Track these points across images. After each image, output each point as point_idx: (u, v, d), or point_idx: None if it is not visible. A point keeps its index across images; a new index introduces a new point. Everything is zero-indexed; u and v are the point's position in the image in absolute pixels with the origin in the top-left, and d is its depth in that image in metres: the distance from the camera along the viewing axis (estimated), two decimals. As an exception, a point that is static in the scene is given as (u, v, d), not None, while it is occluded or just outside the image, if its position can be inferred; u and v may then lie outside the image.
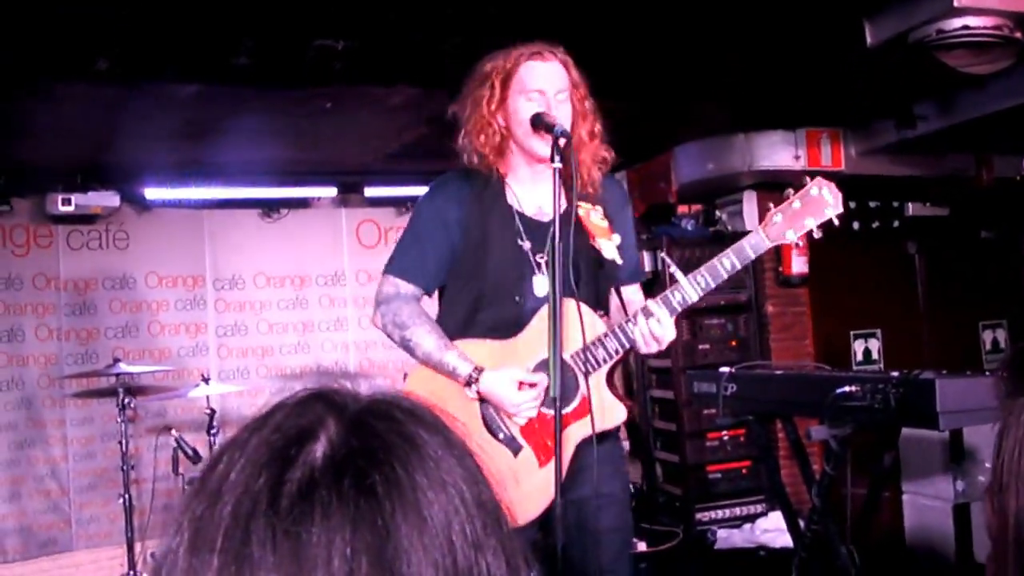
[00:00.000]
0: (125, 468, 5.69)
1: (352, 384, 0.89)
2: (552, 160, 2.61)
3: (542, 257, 2.83)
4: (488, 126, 2.84)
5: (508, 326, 2.82)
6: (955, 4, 3.90)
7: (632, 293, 3.06)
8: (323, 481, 0.76)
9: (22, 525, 6.54)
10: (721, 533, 6.92)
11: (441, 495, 0.78)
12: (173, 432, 5.63)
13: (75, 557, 6.65)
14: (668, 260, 2.90)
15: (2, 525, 6.48)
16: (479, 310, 2.85)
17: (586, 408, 2.73)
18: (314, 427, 0.81)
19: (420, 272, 2.92)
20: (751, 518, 7.06)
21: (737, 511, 7.15)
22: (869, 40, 4.38)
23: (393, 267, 2.95)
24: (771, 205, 2.91)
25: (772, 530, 6.73)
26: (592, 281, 2.87)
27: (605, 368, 2.81)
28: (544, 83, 2.80)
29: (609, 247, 2.88)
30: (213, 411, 5.67)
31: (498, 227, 2.85)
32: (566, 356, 2.73)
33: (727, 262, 2.82)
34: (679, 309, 2.80)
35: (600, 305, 2.90)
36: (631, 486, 7.67)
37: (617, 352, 2.79)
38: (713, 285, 2.82)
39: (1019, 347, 1.30)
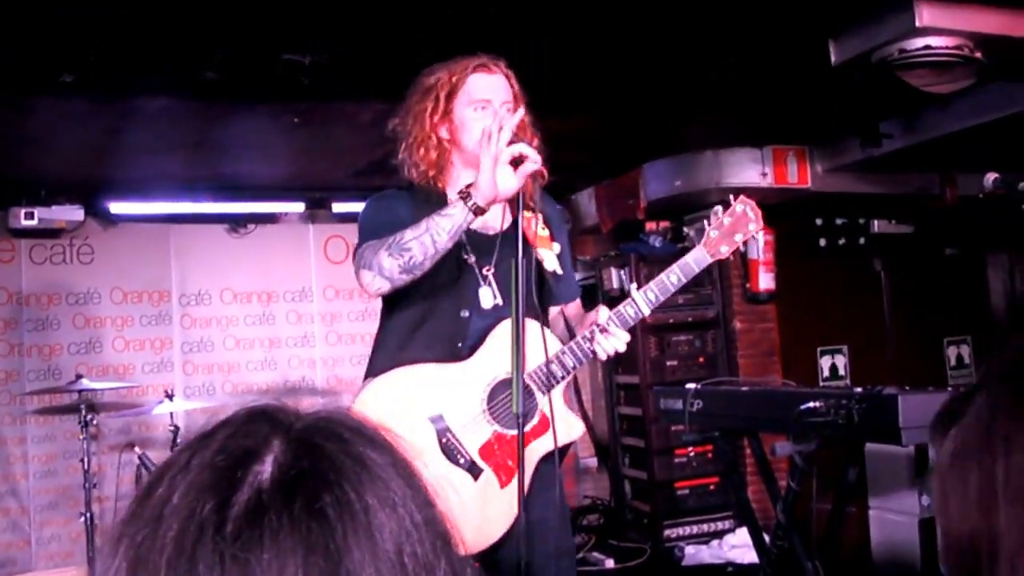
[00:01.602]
0: (87, 486, 5.62)
1: (292, 400, 0.87)
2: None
3: (488, 270, 2.82)
4: (429, 139, 2.83)
5: (451, 340, 2.79)
6: (917, 24, 3.94)
7: (573, 308, 3.04)
8: (272, 504, 0.74)
9: (-18, 544, 6.45)
10: (689, 549, 6.92)
11: (392, 517, 0.77)
12: (137, 450, 5.57)
13: (36, 577, 6.57)
14: (623, 276, 2.93)
15: (-38, 544, 6.39)
16: (422, 324, 2.80)
17: (546, 425, 2.73)
18: (259, 447, 0.79)
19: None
20: (719, 534, 7.07)
21: (705, 527, 7.15)
22: (833, 59, 4.41)
23: (362, 239, 2.85)
24: (705, 223, 2.95)
25: (740, 546, 6.73)
26: (535, 293, 2.80)
27: (563, 384, 2.80)
28: (491, 94, 2.81)
29: (550, 257, 2.89)
30: (177, 428, 5.63)
31: None
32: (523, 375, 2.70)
33: (674, 277, 2.83)
34: (632, 323, 2.80)
35: (542, 318, 2.84)
36: (599, 502, 7.71)
37: (574, 368, 2.79)
38: (663, 298, 2.83)
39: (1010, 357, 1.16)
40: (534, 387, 2.74)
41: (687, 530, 7.14)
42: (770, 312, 7.47)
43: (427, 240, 2.65)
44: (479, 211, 2.65)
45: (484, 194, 2.63)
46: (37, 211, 6.41)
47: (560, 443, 2.73)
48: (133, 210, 6.84)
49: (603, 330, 2.75)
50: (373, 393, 2.76)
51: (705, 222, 2.98)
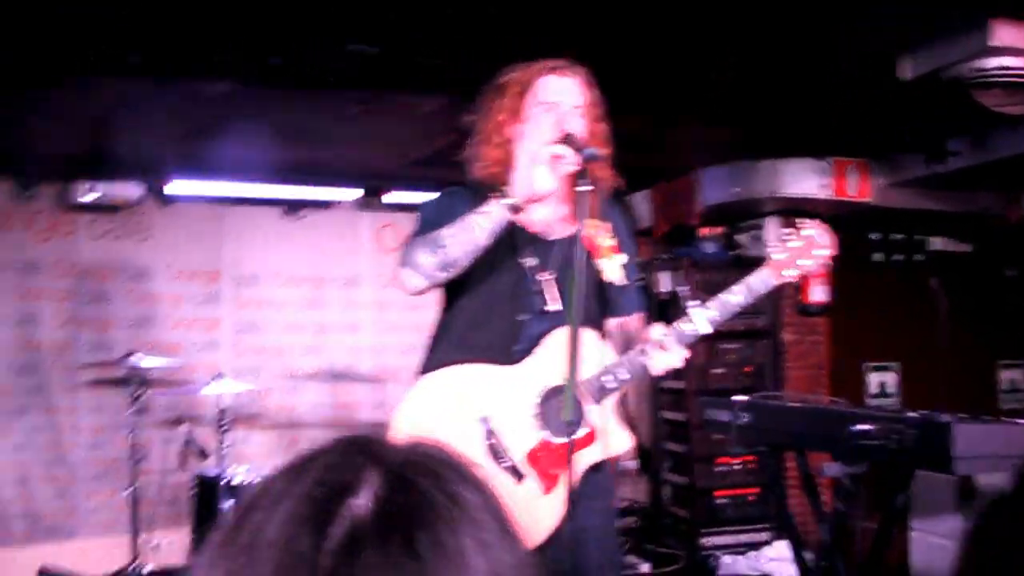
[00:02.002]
0: (134, 459, 5.70)
1: (342, 387, 0.86)
2: (575, 183, 2.61)
3: (546, 276, 2.80)
4: (498, 136, 2.84)
5: (507, 343, 2.78)
6: (991, 44, 3.87)
7: (633, 322, 2.99)
8: (368, 540, 0.74)
9: (28, 510, 6.56)
10: (725, 559, 6.88)
11: (484, 559, 0.76)
12: (184, 427, 5.63)
13: (79, 544, 6.66)
14: (682, 292, 2.87)
15: (9, 509, 6.50)
16: (479, 325, 2.80)
17: (594, 435, 2.73)
18: (355, 481, 0.78)
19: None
20: (756, 546, 7.01)
21: (743, 538, 7.10)
22: (904, 74, 4.35)
23: (413, 236, 2.84)
24: (767, 237, 2.92)
25: (777, 559, 6.68)
26: (594, 302, 2.83)
27: (614, 396, 2.79)
28: (560, 96, 2.80)
29: (612, 267, 2.84)
30: (224, 408, 5.67)
31: (501, 244, 2.77)
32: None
33: (738, 297, 2.81)
34: (690, 341, 2.77)
35: (601, 328, 2.86)
36: (637, 505, 7.67)
37: (627, 381, 2.76)
38: (722, 320, 2.79)
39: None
40: (585, 396, 2.72)
41: (725, 539, 7.10)
42: (821, 325, 7.40)
43: (464, 238, 2.65)
44: (516, 209, 2.65)
45: (520, 191, 2.64)
46: (98, 187, 6.49)
47: (608, 454, 2.74)
48: (190, 190, 6.89)
49: (659, 346, 2.72)
50: (425, 389, 2.78)
51: (769, 242, 2.92)
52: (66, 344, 6.74)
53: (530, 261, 2.81)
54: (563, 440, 2.65)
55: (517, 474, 2.72)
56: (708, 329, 2.77)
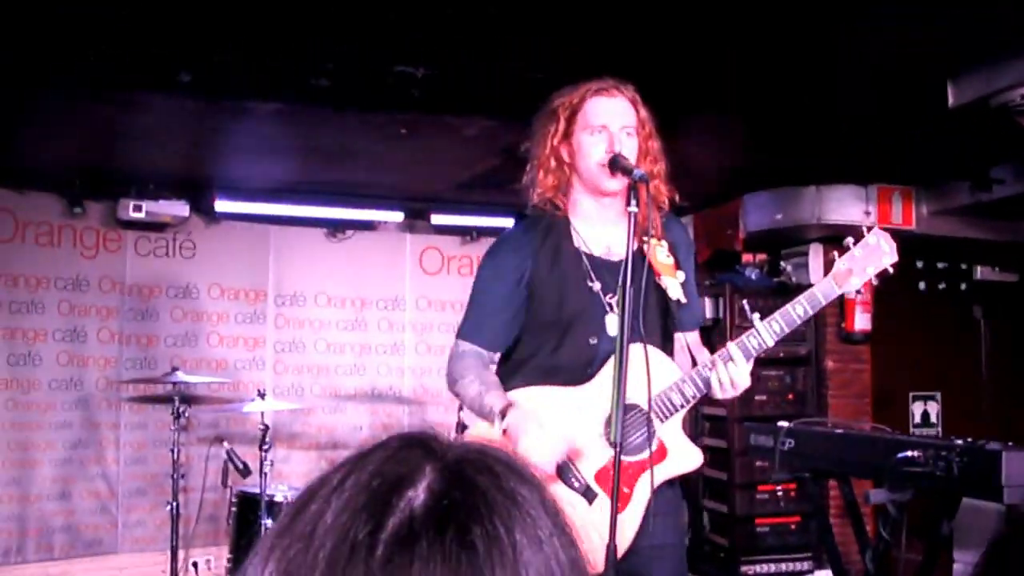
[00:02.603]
0: (175, 476, 5.73)
1: (381, 406, 0.88)
2: (628, 203, 2.62)
3: (612, 298, 2.81)
4: (550, 161, 2.86)
5: (582, 367, 2.79)
6: (1043, 70, 3.85)
7: (694, 337, 3.03)
8: (423, 532, 0.74)
9: (69, 523, 6.62)
10: (765, 588, 6.81)
11: (539, 555, 0.76)
12: (225, 444, 5.66)
13: (119, 560, 6.72)
14: (746, 306, 2.86)
15: (51, 522, 6.56)
16: (555, 351, 2.83)
17: (663, 453, 2.75)
18: (413, 474, 0.79)
19: (480, 332, 2.92)
20: (797, 575, 6.94)
21: (784, 567, 7.02)
22: (951, 101, 4.33)
23: (460, 329, 2.97)
24: (835, 254, 2.91)
25: (817, 588, 6.61)
26: (657, 321, 2.86)
27: (681, 413, 2.80)
28: (608, 119, 2.81)
29: (674, 285, 2.86)
30: (266, 426, 5.69)
31: (567, 271, 2.83)
32: (641, 402, 2.70)
33: (800, 308, 2.81)
34: (755, 354, 2.77)
35: (665, 346, 2.87)
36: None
37: (694, 397, 2.77)
38: (787, 330, 2.81)
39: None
40: (653, 414, 2.73)
41: (765, 568, 7.02)
42: (864, 353, 7.33)
43: (470, 406, 2.85)
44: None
45: (508, 431, 2.70)
46: (145, 204, 6.57)
47: (676, 472, 2.78)
48: (236, 209, 6.96)
49: (727, 359, 2.73)
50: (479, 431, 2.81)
51: (835, 254, 2.93)
52: (111, 360, 6.82)
53: (596, 284, 2.83)
54: (633, 459, 2.69)
55: (589, 495, 2.74)
56: (771, 342, 2.78)
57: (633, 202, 2.59)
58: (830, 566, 4.60)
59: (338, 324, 7.46)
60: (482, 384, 2.81)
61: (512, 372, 2.90)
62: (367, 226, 7.53)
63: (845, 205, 6.63)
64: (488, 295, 2.92)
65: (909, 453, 3.37)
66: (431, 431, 0.87)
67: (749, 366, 2.76)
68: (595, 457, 2.75)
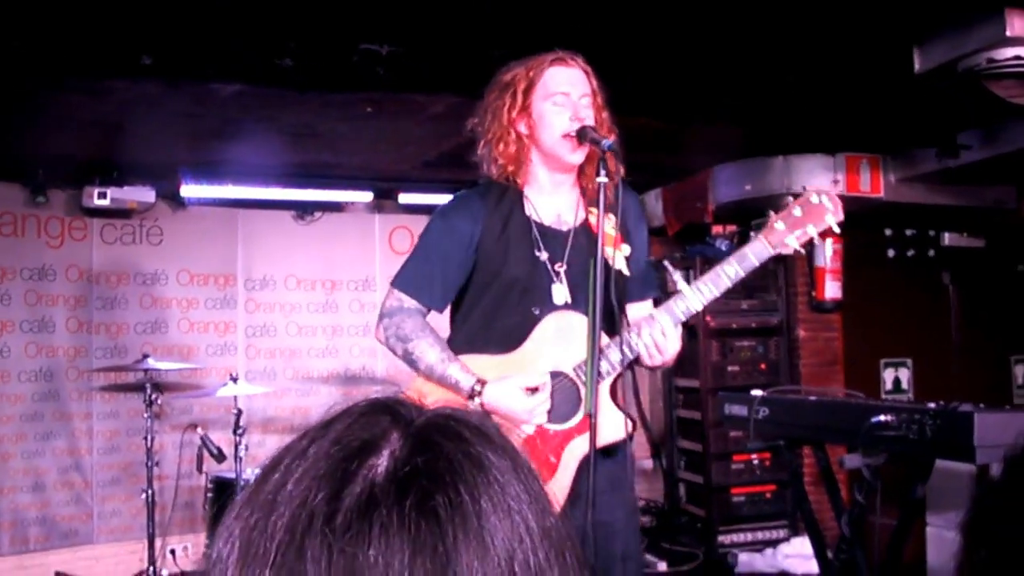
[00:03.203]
0: (149, 464, 5.69)
1: (353, 389, 0.86)
2: (597, 174, 2.61)
3: (560, 267, 2.80)
4: (508, 134, 2.83)
5: (521, 337, 2.78)
6: (1008, 34, 3.86)
7: (640, 310, 2.95)
8: (384, 499, 0.73)
9: (44, 515, 6.56)
10: (743, 557, 6.86)
11: (506, 522, 0.75)
12: (198, 430, 5.63)
13: (95, 550, 6.67)
14: (671, 268, 2.81)
15: (25, 515, 6.50)
16: (493, 321, 2.81)
17: (586, 425, 2.65)
18: (377, 440, 0.78)
19: (425, 288, 2.87)
20: (773, 543, 7.00)
21: (760, 535, 7.09)
22: (917, 67, 4.33)
23: (398, 280, 2.92)
24: (771, 212, 2.85)
25: (794, 556, 6.66)
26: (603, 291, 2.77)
27: (608, 380, 2.74)
28: (568, 87, 2.80)
29: (618, 257, 2.83)
30: (240, 411, 5.66)
31: (515, 239, 2.81)
32: (568, 370, 2.71)
33: (730, 270, 2.76)
34: (683, 318, 2.74)
35: (610, 316, 2.80)
36: (653, 504, 7.66)
37: (620, 363, 2.72)
38: (718, 293, 2.76)
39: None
40: (579, 383, 2.72)
41: (741, 537, 7.08)
42: (835, 321, 7.38)
43: (427, 371, 2.76)
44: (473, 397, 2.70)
45: (491, 408, 2.67)
46: (110, 191, 6.50)
47: (602, 442, 2.63)
48: (203, 193, 6.90)
49: (651, 323, 2.70)
50: (423, 384, 2.77)
51: (771, 212, 2.86)
52: (80, 349, 6.76)
53: (544, 254, 2.81)
54: (558, 427, 2.68)
55: None
56: (699, 306, 2.74)
57: (602, 172, 2.59)
58: (806, 532, 4.63)
59: (309, 306, 7.43)
60: (442, 351, 2.76)
61: (454, 335, 2.88)
62: (335, 207, 7.49)
63: (814, 174, 6.65)
64: (435, 251, 2.87)
65: (882, 418, 3.39)
66: (399, 397, 0.85)
67: (677, 331, 2.73)
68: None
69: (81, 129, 5.66)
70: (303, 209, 7.41)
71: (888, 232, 7.74)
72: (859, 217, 7.07)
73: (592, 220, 2.78)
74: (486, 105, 2.91)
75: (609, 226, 2.80)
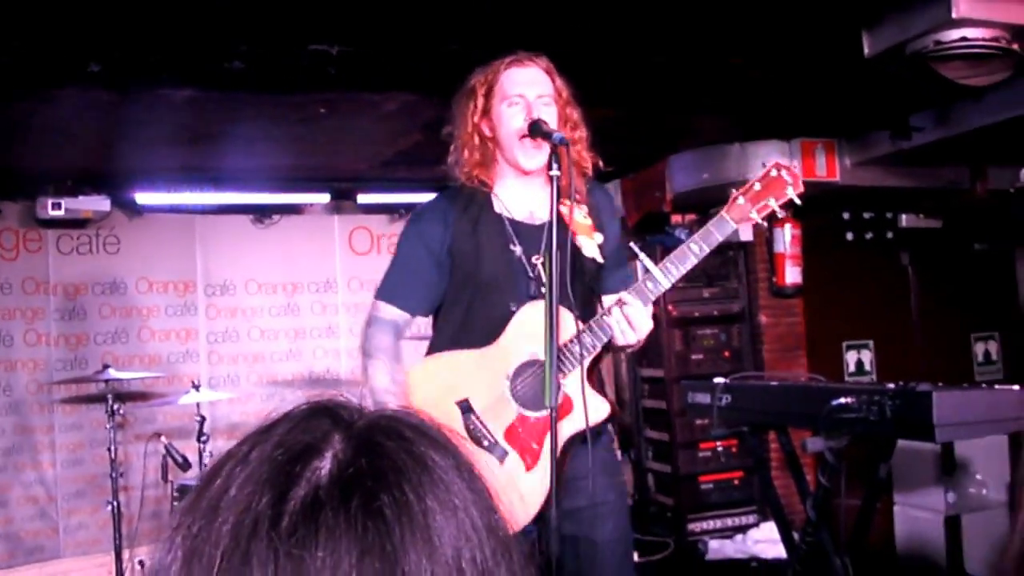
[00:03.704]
0: (114, 475, 5.64)
1: (355, 396, 0.85)
2: (550, 168, 2.61)
3: (537, 259, 2.83)
4: (472, 139, 2.89)
5: (499, 332, 2.81)
6: (953, 15, 3.88)
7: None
8: (329, 501, 0.72)
9: (8, 532, 6.49)
10: (713, 544, 6.90)
11: (452, 520, 0.75)
12: (163, 439, 5.58)
13: (62, 564, 6.60)
14: (637, 250, 2.85)
15: (-11, 532, 6.43)
16: (474, 319, 2.84)
17: (569, 406, 2.72)
18: (319, 443, 0.77)
19: (401, 295, 2.93)
20: (743, 529, 7.05)
21: (729, 522, 7.13)
22: (867, 51, 4.35)
23: (378, 291, 2.98)
24: (732, 190, 2.90)
25: (764, 541, 6.71)
26: (577, 280, 2.79)
27: (585, 364, 2.76)
28: (524, 88, 2.84)
29: (590, 245, 2.88)
30: (203, 418, 5.62)
31: (488, 237, 2.86)
32: (543, 356, 2.70)
33: (695, 247, 2.78)
34: (652, 298, 2.76)
35: (586, 304, 2.87)
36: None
37: (594, 347, 2.76)
38: (684, 271, 2.79)
39: None
40: (556, 367, 2.69)
41: (711, 524, 7.12)
42: (796, 306, 7.43)
43: (371, 391, 2.84)
44: None
45: None
46: (64, 201, 6.44)
47: (582, 425, 2.68)
48: (158, 200, 6.85)
49: (622, 304, 2.72)
50: (410, 383, 2.82)
51: (732, 189, 2.92)
52: (40, 362, 6.69)
53: (518, 248, 2.85)
54: (538, 414, 2.72)
55: (498, 453, 2.76)
56: (668, 284, 2.77)
57: (555, 166, 2.60)
58: (773, 516, 4.66)
59: (271, 310, 7.39)
60: (392, 384, 2.83)
61: (437, 335, 2.93)
62: (294, 209, 7.46)
63: (770, 160, 6.65)
64: (410, 258, 2.93)
65: (843, 400, 3.42)
66: (340, 399, 0.85)
67: (648, 309, 2.76)
68: (503, 415, 2.78)
69: (32, 139, 5.58)
70: (261, 212, 7.37)
71: (846, 215, 7.79)
72: (817, 201, 7.11)
73: (564, 211, 2.76)
74: (455, 112, 2.96)
75: (581, 216, 2.88)
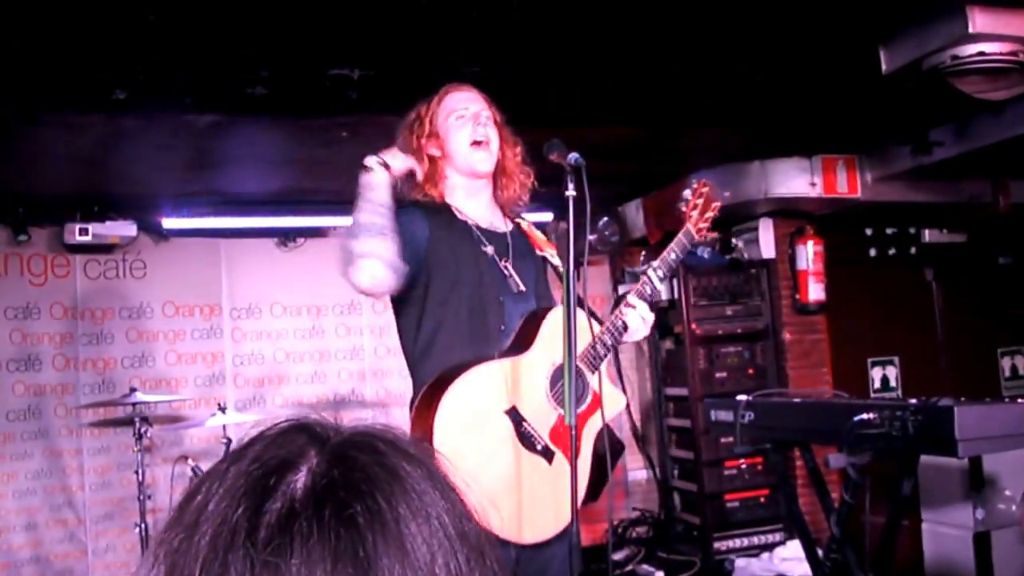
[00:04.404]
0: (141, 497, 5.68)
1: (333, 418, 0.88)
2: (566, 188, 2.70)
3: (507, 262, 3.07)
4: (421, 161, 3.09)
5: (493, 325, 2.98)
6: (970, 30, 3.89)
7: None
8: (303, 512, 0.75)
9: (39, 555, 6.54)
10: (739, 562, 6.87)
11: (424, 528, 0.77)
12: (189, 461, 5.63)
13: (91, 587, 6.65)
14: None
15: (18, 555, 6.47)
16: (465, 314, 2.97)
17: (597, 402, 3.00)
18: (295, 458, 0.80)
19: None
20: (769, 547, 7.01)
21: (755, 540, 7.09)
22: (884, 67, 4.36)
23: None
24: (681, 207, 3.41)
25: (790, 559, 6.67)
26: (542, 285, 3.22)
27: (605, 362, 3.06)
28: (467, 104, 3.12)
29: (552, 254, 3.22)
30: (229, 440, 5.66)
31: (461, 239, 3.03)
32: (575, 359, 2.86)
33: (672, 255, 3.23)
34: (649, 300, 3.14)
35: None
36: (648, 514, 7.68)
37: (613, 345, 3.08)
38: (668, 274, 3.26)
39: None
40: (584, 368, 2.98)
41: (737, 543, 7.09)
42: (820, 323, 7.40)
43: (355, 226, 2.88)
44: (386, 165, 2.93)
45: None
46: (91, 227, 6.50)
47: (609, 416, 3.04)
48: (184, 225, 6.91)
49: (630, 306, 3.09)
50: (454, 400, 2.79)
51: (682, 206, 3.42)
52: (67, 386, 6.75)
53: (489, 248, 3.06)
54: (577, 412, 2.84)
55: (547, 454, 2.91)
56: (660, 286, 3.24)
57: (571, 186, 2.68)
58: (798, 534, 4.64)
59: (295, 333, 7.43)
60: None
61: (425, 350, 2.97)
62: (317, 232, 7.49)
63: (791, 177, 6.69)
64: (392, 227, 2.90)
65: (865, 416, 3.41)
66: (315, 416, 0.88)
67: (647, 308, 3.13)
68: (547, 418, 2.94)
69: (59, 165, 5.66)
70: (286, 235, 7.41)
71: (868, 231, 7.78)
72: (839, 218, 7.13)
73: (523, 225, 3.23)
74: (400, 145, 3.16)
75: (535, 231, 3.24)
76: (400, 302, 3.04)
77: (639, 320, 3.09)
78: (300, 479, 0.78)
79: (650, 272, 3.16)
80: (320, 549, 0.72)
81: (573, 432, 2.58)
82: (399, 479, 0.79)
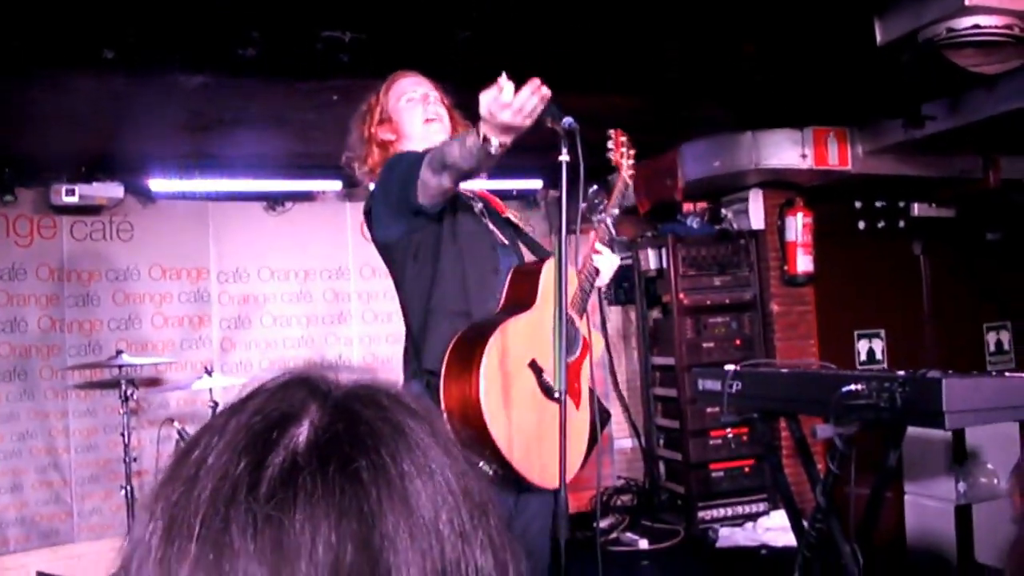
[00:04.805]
0: (127, 460, 5.68)
1: (334, 373, 0.87)
2: (559, 152, 2.66)
3: (486, 219, 3.23)
4: (372, 146, 3.27)
5: (493, 273, 3.13)
6: (966, 3, 3.88)
7: None
8: (306, 466, 0.74)
9: (24, 516, 6.54)
10: (723, 531, 6.92)
11: (428, 484, 0.76)
12: (175, 424, 5.63)
13: (76, 548, 6.64)
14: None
15: (3, 516, 6.47)
16: (471, 273, 3.07)
17: (587, 346, 3.18)
18: (296, 411, 0.79)
19: None
20: (753, 517, 7.06)
21: (739, 509, 7.14)
22: (879, 39, 4.35)
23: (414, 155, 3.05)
24: (610, 155, 3.44)
25: (774, 528, 6.72)
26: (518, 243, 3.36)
27: (587, 305, 3.22)
28: (417, 87, 3.30)
29: (514, 216, 3.38)
30: (216, 404, 5.66)
31: (455, 197, 3.09)
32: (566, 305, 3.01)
33: (615, 210, 3.35)
34: (610, 239, 3.32)
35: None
36: (633, 483, 7.71)
37: (591, 288, 3.22)
38: (616, 216, 3.37)
39: None
40: (573, 314, 3.10)
41: (721, 512, 7.14)
42: (808, 295, 7.42)
43: (448, 151, 2.82)
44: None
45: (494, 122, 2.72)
46: (78, 188, 6.45)
47: (596, 358, 3.25)
48: (171, 187, 6.86)
49: (595, 251, 3.24)
50: (492, 355, 2.91)
51: (609, 154, 3.44)
52: (54, 347, 6.72)
53: (478, 205, 3.25)
54: (573, 357, 3.12)
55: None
56: (613, 229, 3.34)
57: (564, 151, 2.65)
58: (783, 502, 4.67)
59: (283, 297, 7.41)
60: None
61: (438, 306, 3.05)
62: (306, 197, 7.47)
63: (782, 149, 6.68)
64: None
65: (853, 387, 3.42)
66: (317, 369, 0.86)
67: (611, 252, 3.30)
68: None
69: (47, 126, 5.61)
70: (274, 200, 7.38)
71: (858, 204, 7.79)
72: (828, 190, 7.13)
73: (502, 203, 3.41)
74: (353, 136, 3.36)
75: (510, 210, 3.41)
76: (408, 254, 3.14)
77: (607, 263, 3.26)
78: (302, 433, 0.77)
79: (608, 220, 3.32)
80: (324, 504, 0.71)
81: (563, 400, 2.62)
82: (403, 435, 0.79)
